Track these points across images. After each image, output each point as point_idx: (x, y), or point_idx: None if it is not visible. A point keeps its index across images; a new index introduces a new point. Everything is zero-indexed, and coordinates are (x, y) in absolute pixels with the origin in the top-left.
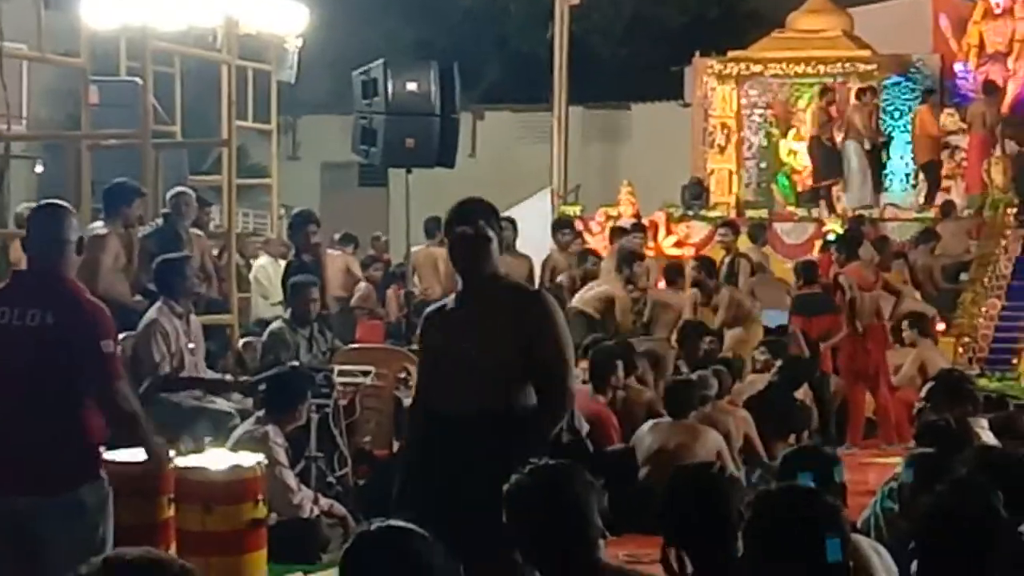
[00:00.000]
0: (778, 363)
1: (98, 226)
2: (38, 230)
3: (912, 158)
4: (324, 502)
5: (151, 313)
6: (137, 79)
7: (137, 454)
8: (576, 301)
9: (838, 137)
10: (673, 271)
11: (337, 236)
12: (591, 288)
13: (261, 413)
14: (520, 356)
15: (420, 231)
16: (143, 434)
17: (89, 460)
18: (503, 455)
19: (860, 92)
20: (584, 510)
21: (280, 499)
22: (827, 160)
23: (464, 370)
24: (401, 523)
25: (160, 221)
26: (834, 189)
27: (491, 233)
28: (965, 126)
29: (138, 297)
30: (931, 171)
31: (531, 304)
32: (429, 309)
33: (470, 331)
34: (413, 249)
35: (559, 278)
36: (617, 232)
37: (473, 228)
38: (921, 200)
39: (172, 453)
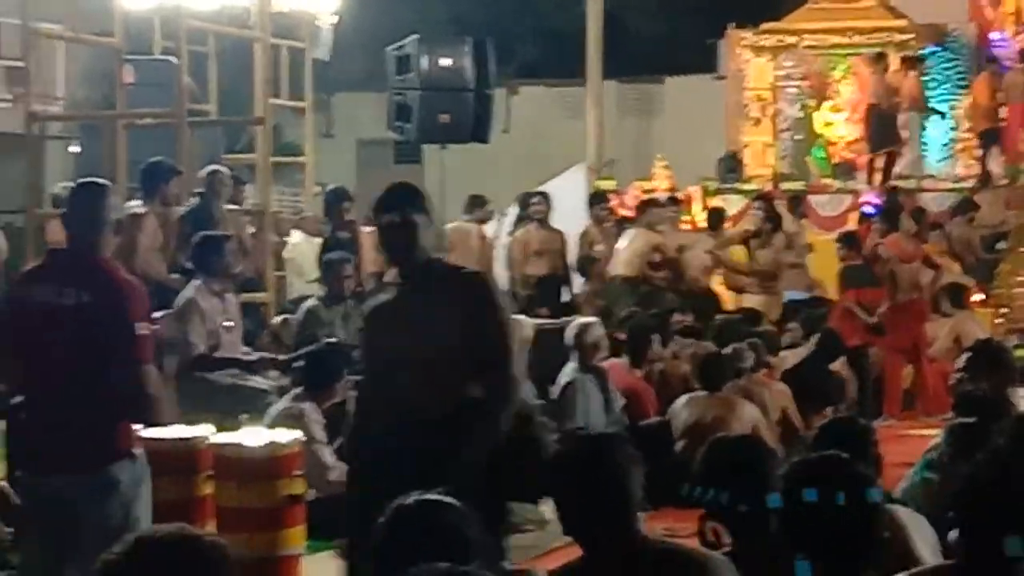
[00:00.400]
0: (813, 337)
1: (135, 205)
2: (78, 208)
3: (969, 127)
4: None
5: (188, 292)
6: (172, 58)
7: (175, 431)
8: (613, 266)
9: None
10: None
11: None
12: (622, 251)
13: (299, 390)
14: (466, 344)
15: (456, 208)
16: (157, 417)
17: (122, 438)
18: (451, 457)
19: (915, 61)
20: (626, 482)
21: (317, 475)
22: (885, 129)
23: (414, 368)
24: (437, 496)
25: (196, 200)
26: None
27: (418, 218)
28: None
29: (175, 276)
30: (988, 140)
31: (470, 287)
32: (371, 303)
33: (415, 325)
34: (448, 226)
35: (596, 248)
36: (648, 203)
37: (399, 215)
38: (959, 171)
39: (210, 429)
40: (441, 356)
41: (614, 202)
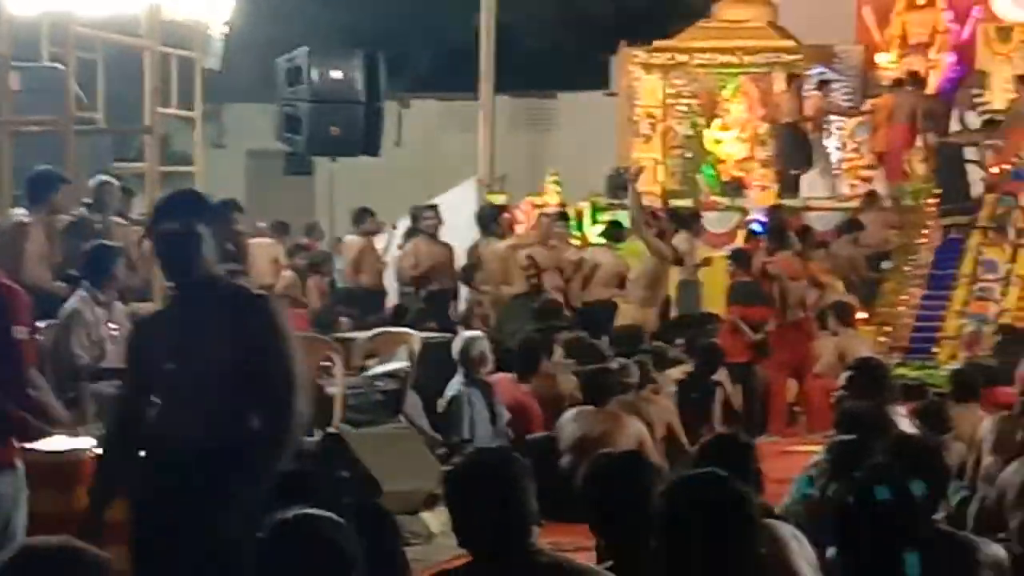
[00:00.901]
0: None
1: (21, 214)
2: None
3: (854, 147)
4: None
5: (72, 303)
6: (59, 65)
7: (54, 443)
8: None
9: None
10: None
11: (264, 224)
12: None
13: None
14: (244, 371)
15: (345, 220)
16: (52, 417)
17: (3, 449)
18: (227, 495)
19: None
20: (522, 496)
21: None
22: (796, 149)
23: (184, 395)
24: (316, 511)
25: (83, 209)
26: (801, 178)
27: (201, 228)
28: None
29: (60, 284)
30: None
31: (253, 310)
32: (141, 318)
33: (189, 348)
34: (348, 238)
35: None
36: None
37: (180, 224)
38: (844, 190)
39: (92, 441)
40: (215, 382)
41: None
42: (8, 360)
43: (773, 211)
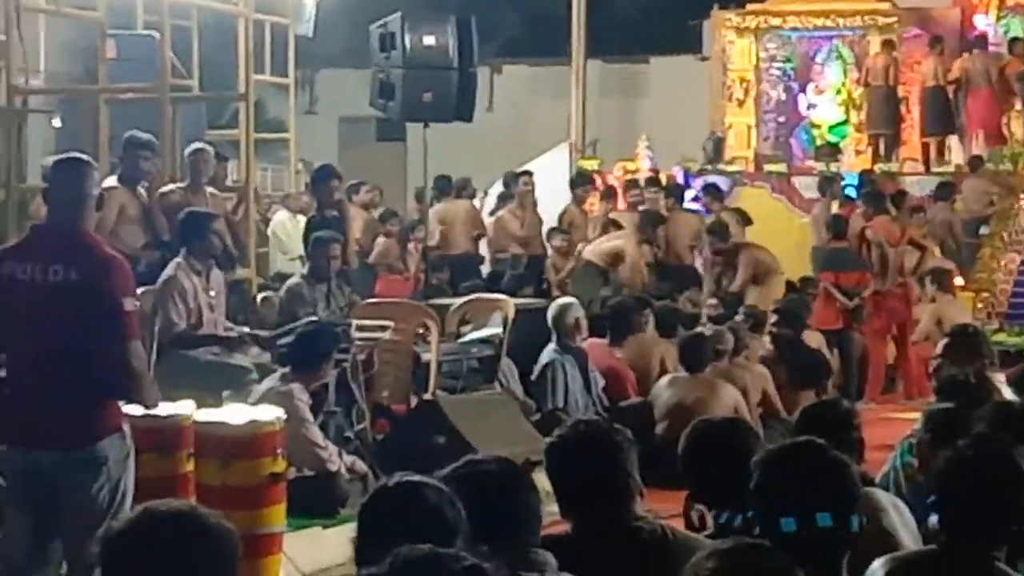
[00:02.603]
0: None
1: (110, 181)
2: (60, 184)
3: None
4: (347, 458)
5: (169, 270)
6: (154, 33)
7: (156, 409)
8: (588, 252)
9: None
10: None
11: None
12: (605, 241)
13: (286, 370)
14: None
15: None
16: (145, 396)
17: (110, 414)
18: None
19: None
20: (625, 464)
21: (309, 455)
22: (942, 112)
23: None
24: (419, 477)
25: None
26: (946, 141)
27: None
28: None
29: (147, 249)
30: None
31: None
32: None
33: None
34: (436, 206)
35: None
36: (630, 185)
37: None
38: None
39: (191, 406)
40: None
41: (597, 182)
42: (114, 329)
43: (868, 176)
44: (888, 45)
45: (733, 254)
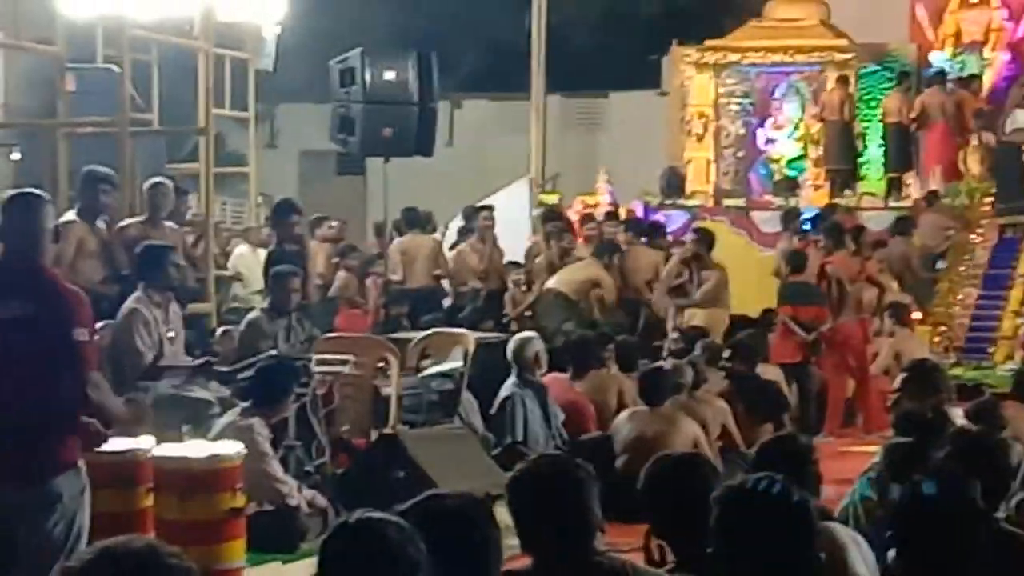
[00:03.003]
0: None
1: (69, 215)
2: (14, 219)
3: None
4: (307, 492)
5: (130, 303)
6: (114, 67)
7: (115, 444)
8: (554, 283)
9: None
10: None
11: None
12: (573, 271)
13: (246, 404)
14: None
15: (399, 219)
16: (114, 417)
17: (65, 449)
18: None
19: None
20: (587, 500)
21: (268, 490)
22: (902, 148)
23: None
24: (380, 514)
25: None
26: (904, 176)
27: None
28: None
29: (106, 283)
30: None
31: None
32: None
33: None
34: (397, 239)
35: (537, 259)
36: (588, 219)
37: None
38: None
39: (151, 441)
40: None
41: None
42: (70, 362)
43: (829, 210)
44: (843, 80)
45: (708, 264)
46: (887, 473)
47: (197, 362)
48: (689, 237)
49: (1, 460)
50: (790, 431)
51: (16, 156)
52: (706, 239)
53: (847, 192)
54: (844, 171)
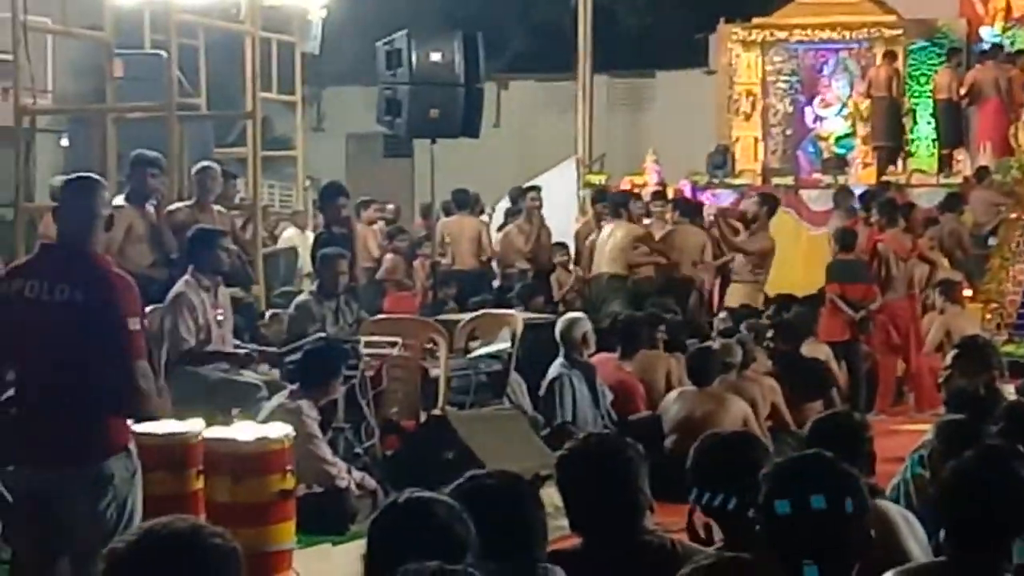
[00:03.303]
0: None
1: (118, 200)
2: (70, 204)
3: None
4: (356, 474)
5: (178, 287)
6: (161, 52)
7: (165, 426)
8: (606, 263)
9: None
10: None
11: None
12: (613, 240)
13: (295, 387)
14: None
15: (447, 201)
16: (148, 413)
17: (116, 432)
18: None
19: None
20: (636, 480)
21: (318, 472)
22: (953, 125)
23: None
24: (428, 493)
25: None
26: (955, 153)
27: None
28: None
29: (159, 265)
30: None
31: None
32: None
33: None
34: (442, 220)
35: (587, 240)
36: (635, 199)
37: None
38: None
39: (200, 424)
40: None
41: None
42: (119, 349)
43: (882, 187)
44: (890, 56)
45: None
46: (941, 450)
47: (241, 352)
48: (752, 199)
49: (53, 442)
50: (843, 409)
51: (65, 142)
52: (768, 201)
53: (891, 169)
54: (891, 148)
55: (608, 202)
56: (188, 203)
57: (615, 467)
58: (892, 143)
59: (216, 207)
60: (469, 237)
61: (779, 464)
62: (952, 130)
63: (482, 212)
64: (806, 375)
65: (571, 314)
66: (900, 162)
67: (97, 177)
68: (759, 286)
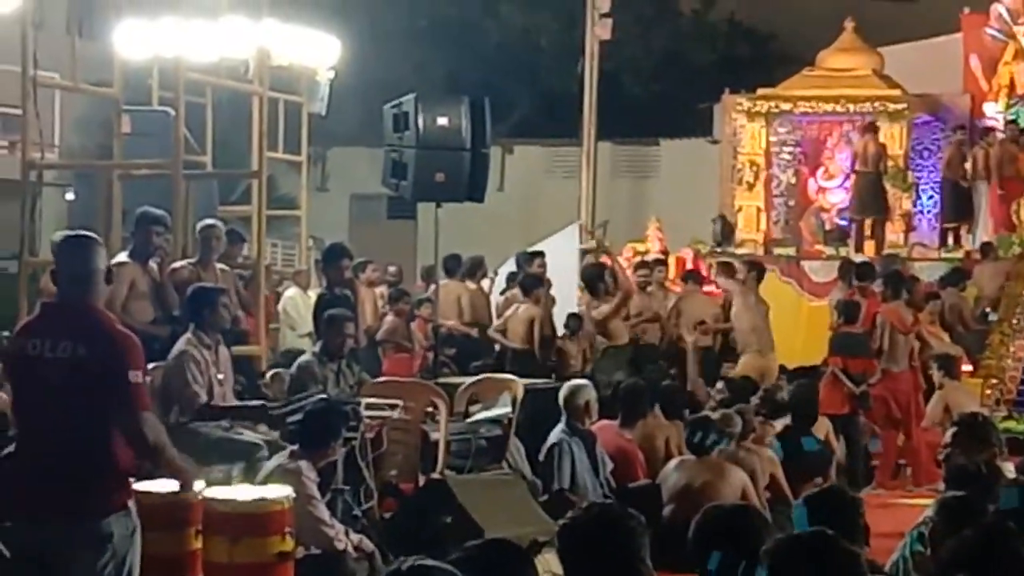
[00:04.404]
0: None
1: (122, 256)
2: (67, 260)
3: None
4: (354, 537)
5: (181, 344)
6: (169, 109)
7: (165, 485)
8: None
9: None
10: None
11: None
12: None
13: (294, 447)
14: None
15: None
16: (170, 463)
17: (118, 490)
18: None
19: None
20: (639, 550)
21: (316, 533)
22: (959, 200)
23: None
24: (431, 561)
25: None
26: (960, 230)
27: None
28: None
29: (157, 324)
30: (959, 211)
31: None
32: None
33: None
34: (443, 283)
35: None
36: (640, 266)
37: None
38: (949, 240)
39: (201, 484)
40: None
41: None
42: (121, 404)
43: (889, 260)
44: (872, 130)
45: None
46: (940, 527)
47: (254, 403)
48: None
49: (53, 498)
50: (836, 483)
51: (71, 196)
52: (756, 267)
53: (892, 240)
54: (877, 221)
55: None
56: (190, 261)
57: (617, 538)
58: (880, 216)
59: (219, 265)
60: (451, 301)
61: (781, 541)
62: (956, 205)
63: (484, 276)
64: (811, 459)
65: (576, 381)
66: (902, 235)
67: (91, 234)
68: (762, 357)
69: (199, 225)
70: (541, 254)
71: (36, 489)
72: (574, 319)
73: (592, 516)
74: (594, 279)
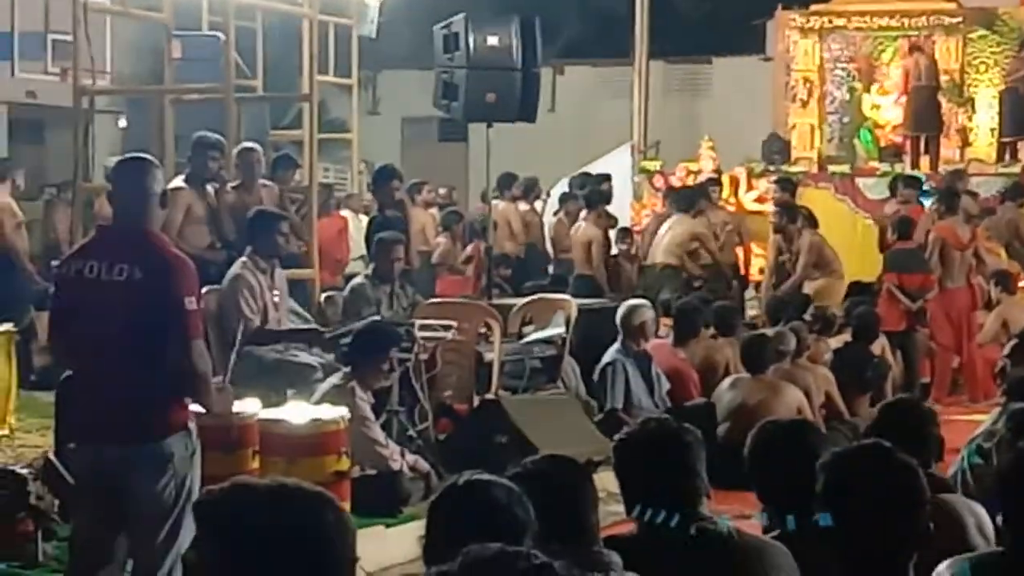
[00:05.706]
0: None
1: (177, 181)
2: (123, 184)
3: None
4: (409, 457)
5: (235, 268)
6: (219, 34)
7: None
8: (661, 252)
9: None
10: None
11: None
12: (671, 233)
13: (348, 368)
14: None
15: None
16: (206, 395)
17: (176, 412)
18: None
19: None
20: (695, 465)
21: (370, 453)
22: (1016, 113)
23: None
24: (488, 476)
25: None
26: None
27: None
28: None
29: (217, 246)
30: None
31: None
32: None
33: None
34: (495, 205)
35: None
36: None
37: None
38: (1006, 156)
39: (257, 405)
40: None
41: (660, 183)
42: (176, 328)
43: (955, 176)
44: (919, 49)
45: (797, 234)
46: (1009, 436)
47: (308, 327)
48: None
49: (114, 420)
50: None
51: (123, 123)
52: (786, 212)
53: (947, 156)
54: (932, 136)
55: (676, 198)
56: (233, 184)
57: (673, 452)
58: (933, 132)
59: (263, 183)
60: (503, 223)
61: (837, 454)
62: (1013, 119)
63: (537, 197)
64: (868, 372)
65: (634, 300)
66: (957, 151)
67: (148, 156)
68: (834, 281)
69: (237, 149)
70: (608, 177)
71: (97, 411)
72: (627, 235)
73: (648, 431)
74: None
